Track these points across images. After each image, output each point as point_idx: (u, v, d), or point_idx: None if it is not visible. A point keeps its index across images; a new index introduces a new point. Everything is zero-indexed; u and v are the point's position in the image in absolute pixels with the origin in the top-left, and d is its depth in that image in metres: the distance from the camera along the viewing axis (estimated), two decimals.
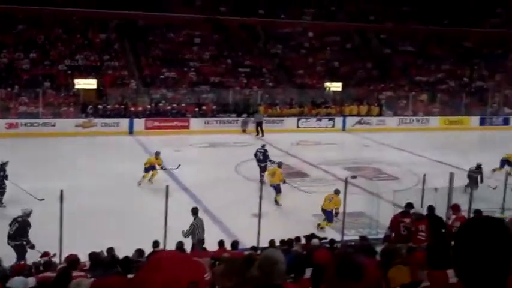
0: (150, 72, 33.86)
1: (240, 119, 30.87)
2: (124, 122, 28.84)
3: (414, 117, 34.71)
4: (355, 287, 1.73)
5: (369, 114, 33.83)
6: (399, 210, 12.88)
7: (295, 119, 31.97)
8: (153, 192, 16.68)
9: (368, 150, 26.14)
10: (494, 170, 20.04)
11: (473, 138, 30.59)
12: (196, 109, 31.04)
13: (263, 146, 20.45)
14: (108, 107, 29.71)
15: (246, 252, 11.33)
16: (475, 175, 18.15)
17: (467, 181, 17.18)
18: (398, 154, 24.54)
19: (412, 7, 45.53)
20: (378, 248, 9.63)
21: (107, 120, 28.68)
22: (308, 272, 6.87)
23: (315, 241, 11.16)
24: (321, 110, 33.16)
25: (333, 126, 32.38)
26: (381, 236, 13.16)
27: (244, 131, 30.19)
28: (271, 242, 11.18)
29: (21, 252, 11.83)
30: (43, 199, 14.29)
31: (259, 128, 29.71)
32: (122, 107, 29.96)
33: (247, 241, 12.04)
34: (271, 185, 17.02)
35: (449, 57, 42.04)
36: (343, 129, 32.18)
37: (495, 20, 45.72)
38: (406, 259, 7.61)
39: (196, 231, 12.65)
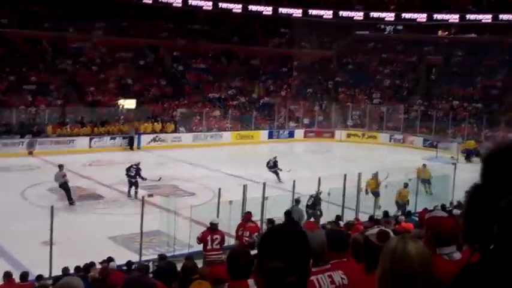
0: None
1: (25, 140, 28.73)
2: None
3: (208, 133, 35.65)
4: None
5: (164, 131, 33.95)
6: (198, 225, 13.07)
7: (87, 138, 30.76)
8: None
9: (164, 167, 26.14)
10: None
11: (263, 151, 32.34)
12: None
13: (137, 164, 20.35)
14: None
15: (37, 284, 10.55)
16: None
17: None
18: (194, 170, 24.96)
19: (202, 25, 47.07)
20: (178, 266, 9.66)
21: None
22: None
23: (112, 264, 10.83)
24: (114, 128, 32.40)
25: (128, 144, 31.82)
26: (179, 252, 13.20)
27: (30, 153, 28.11)
28: (65, 270, 10.57)
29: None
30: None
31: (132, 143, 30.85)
32: None
33: (39, 271, 11.14)
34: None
35: (238, 74, 44.16)
36: (138, 147, 31.79)
37: (280, 39, 49.24)
38: (205, 274, 7.70)
39: None
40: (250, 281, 3.36)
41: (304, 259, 1.79)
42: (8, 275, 10.56)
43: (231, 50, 46.19)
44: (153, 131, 33.52)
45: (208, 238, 11.97)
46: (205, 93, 40.64)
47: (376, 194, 18.64)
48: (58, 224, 12.83)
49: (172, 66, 42.59)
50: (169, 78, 40.97)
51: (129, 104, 35.17)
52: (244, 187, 14.82)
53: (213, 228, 12.18)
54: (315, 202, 16.65)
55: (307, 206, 16.52)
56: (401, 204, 18.18)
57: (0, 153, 26.69)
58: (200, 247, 12.30)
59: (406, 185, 18.70)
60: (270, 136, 37.71)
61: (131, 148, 31.16)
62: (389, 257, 1.85)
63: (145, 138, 32.40)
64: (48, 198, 18.31)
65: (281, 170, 23.06)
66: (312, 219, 15.61)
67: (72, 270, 10.66)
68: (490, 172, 1.52)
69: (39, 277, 10.73)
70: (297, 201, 15.62)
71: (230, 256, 3.78)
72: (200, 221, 14.24)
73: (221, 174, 23.52)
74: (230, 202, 14.31)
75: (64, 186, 18.75)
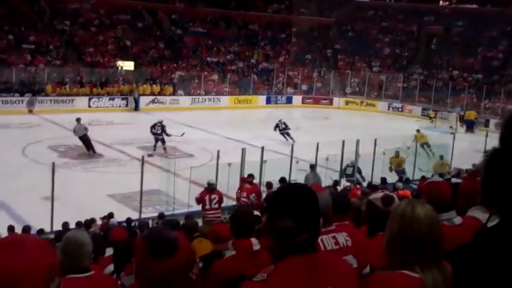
0: None
1: (25, 98, 28.72)
2: None
3: (206, 97, 35.62)
4: (171, 262, 1.69)
5: (162, 93, 33.90)
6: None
7: (86, 98, 30.71)
8: None
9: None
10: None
11: (260, 116, 32.34)
12: None
13: (161, 121, 21.46)
14: None
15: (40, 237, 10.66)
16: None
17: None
18: (192, 132, 24.99)
19: None
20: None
21: None
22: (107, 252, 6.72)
23: (113, 221, 10.98)
24: (113, 89, 32.35)
25: (126, 105, 31.84)
26: (178, 211, 13.37)
27: (30, 111, 28.15)
28: (65, 225, 10.72)
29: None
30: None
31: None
32: None
33: (40, 226, 11.26)
34: None
35: (237, 39, 43.85)
36: (138, 108, 31.76)
37: (279, 5, 48.72)
38: (206, 232, 7.84)
39: None
40: (254, 240, 3.44)
41: (314, 218, 1.84)
42: (11, 229, 10.73)
43: (229, 14, 45.74)
44: (152, 93, 33.46)
45: (207, 198, 12.13)
46: (204, 57, 40.42)
47: (400, 173, 18.32)
48: (58, 181, 12.91)
49: (171, 30, 42.23)
50: (168, 41, 40.65)
51: (128, 65, 35.01)
52: (243, 150, 14.89)
53: (210, 188, 12.33)
54: (354, 172, 16.89)
55: (346, 175, 16.75)
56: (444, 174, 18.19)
57: (0, 111, 26.70)
58: (199, 207, 12.47)
59: (441, 156, 18.79)
60: (268, 101, 37.66)
61: (136, 109, 31.31)
62: (398, 220, 1.89)
63: (144, 100, 32.34)
64: (49, 155, 18.39)
65: (290, 129, 24.12)
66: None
67: (72, 226, 10.78)
68: (508, 137, 1.56)
69: (41, 231, 10.85)
70: (312, 167, 15.65)
71: (233, 215, 3.86)
72: (199, 182, 14.37)
73: (219, 137, 23.58)
74: (229, 164, 14.41)
75: (85, 138, 19.74)
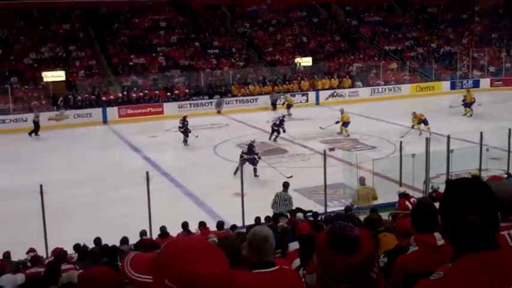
0: (118, 60, 33.45)
1: (214, 100, 30.77)
2: (97, 112, 28.46)
3: (386, 86, 34.95)
4: (352, 260, 1.72)
5: (341, 86, 33.99)
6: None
7: (268, 96, 31.92)
8: (131, 180, 16.22)
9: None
10: None
11: (445, 103, 30.88)
12: (169, 94, 30.83)
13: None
14: (79, 97, 29.34)
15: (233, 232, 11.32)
16: None
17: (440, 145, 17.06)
18: (374, 124, 24.75)
19: None
20: (361, 217, 9.80)
21: (79, 111, 28.29)
22: (292, 246, 6.95)
23: (299, 215, 11.24)
24: (293, 85, 33.23)
25: (307, 100, 32.46)
26: (362, 205, 13.33)
27: (219, 112, 30.10)
28: (257, 220, 11.17)
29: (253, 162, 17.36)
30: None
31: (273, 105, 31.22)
32: (93, 97, 29.62)
33: (232, 221, 11.90)
34: None
35: (415, 24, 42.38)
36: (317, 103, 32.27)
37: None
38: (390, 226, 7.75)
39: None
40: (437, 234, 3.32)
41: (496, 212, 1.75)
42: (202, 225, 11.45)
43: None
44: (331, 87, 33.73)
45: (407, 203, 11.68)
46: (381, 46, 39.70)
47: None
48: (246, 177, 13.56)
49: (346, 21, 42.13)
50: (344, 33, 40.64)
51: (306, 61, 35.69)
52: (427, 140, 14.37)
53: (404, 195, 11.90)
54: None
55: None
56: None
57: (192, 113, 28.86)
58: (382, 201, 12.32)
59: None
60: (453, 87, 35.78)
61: (274, 109, 30.72)
62: None
63: (323, 94, 32.75)
64: (237, 153, 19.36)
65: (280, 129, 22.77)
66: None
67: (262, 220, 11.25)
68: None
69: (234, 227, 11.44)
70: (285, 186, 13.59)
71: (414, 209, 3.72)
72: (383, 174, 14.23)
73: (401, 127, 23.02)
74: (413, 155, 13.98)
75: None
